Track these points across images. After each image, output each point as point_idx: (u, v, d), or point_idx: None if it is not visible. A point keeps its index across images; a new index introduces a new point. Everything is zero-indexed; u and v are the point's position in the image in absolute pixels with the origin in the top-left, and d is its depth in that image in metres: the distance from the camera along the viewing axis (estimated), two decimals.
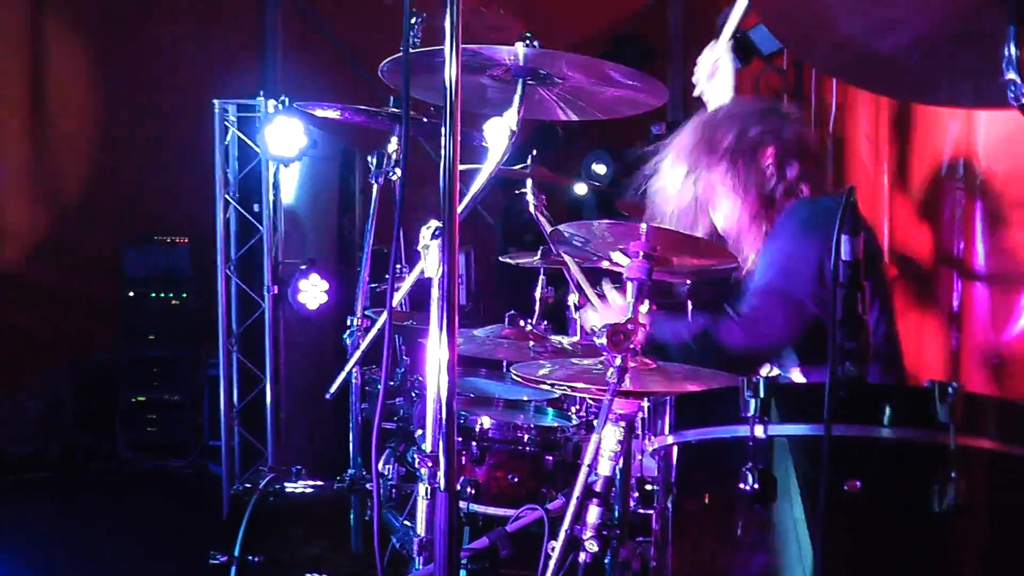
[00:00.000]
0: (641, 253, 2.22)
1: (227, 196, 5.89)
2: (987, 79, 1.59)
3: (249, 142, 5.78)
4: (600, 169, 6.13)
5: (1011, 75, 1.49)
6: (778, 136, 2.97)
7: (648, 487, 2.38)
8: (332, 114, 3.44)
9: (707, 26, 5.51)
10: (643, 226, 2.21)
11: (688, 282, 3.51)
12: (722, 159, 2.96)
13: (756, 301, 2.78)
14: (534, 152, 3.77)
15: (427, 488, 2.29)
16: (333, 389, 2.92)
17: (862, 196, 4.31)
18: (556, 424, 3.25)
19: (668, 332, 2.76)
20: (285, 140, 5.22)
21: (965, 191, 3.34)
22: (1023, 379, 3.04)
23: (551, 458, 3.06)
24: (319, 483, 3.96)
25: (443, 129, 1.71)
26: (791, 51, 3.62)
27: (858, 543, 1.74)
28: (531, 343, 3.31)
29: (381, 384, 1.86)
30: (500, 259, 3.81)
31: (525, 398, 3.49)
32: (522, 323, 3.46)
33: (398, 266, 3.59)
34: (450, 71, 1.69)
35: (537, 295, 3.57)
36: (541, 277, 3.57)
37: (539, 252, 3.53)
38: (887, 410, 1.75)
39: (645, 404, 2.13)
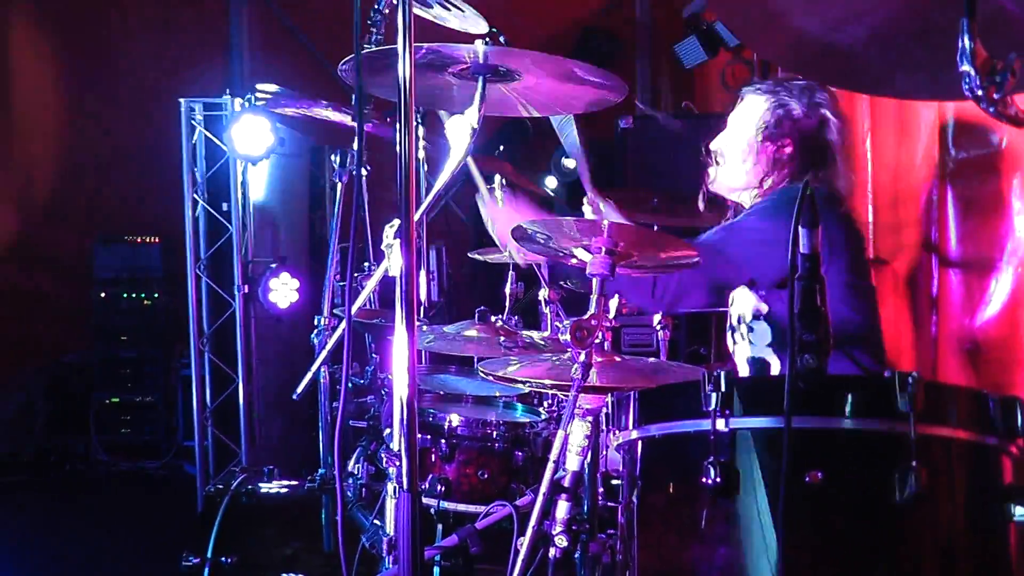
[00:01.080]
0: (603, 249, 2.22)
1: (195, 195, 5.85)
2: (941, 71, 1.60)
3: (216, 141, 5.75)
4: (570, 163, 6.13)
5: (965, 67, 1.49)
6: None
7: (614, 481, 2.38)
8: (290, 112, 3.43)
9: (673, 19, 5.54)
10: (605, 222, 2.21)
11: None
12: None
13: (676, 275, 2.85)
14: (501, 148, 3.77)
15: (395, 487, 2.28)
16: (300, 389, 2.92)
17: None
18: (526, 420, 3.25)
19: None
20: (252, 138, 5.18)
21: (939, 178, 3.36)
22: (997, 364, 3.07)
23: (521, 454, 3.07)
24: (293, 483, 3.95)
25: (398, 126, 1.70)
26: (747, 46, 3.64)
27: (821, 533, 1.75)
28: (501, 339, 3.31)
29: (342, 385, 1.86)
30: (469, 255, 3.80)
31: (497, 394, 3.49)
32: (492, 319, 3.46)
33: (366, 264, 3.58)
34: (403, 69, 1.68)
35: (507, 291, 3.56)
36: (511, 273, 3.56)
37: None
38: (847, 401, 1.77)
39: (609, 399, 2.13)
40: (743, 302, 3.00)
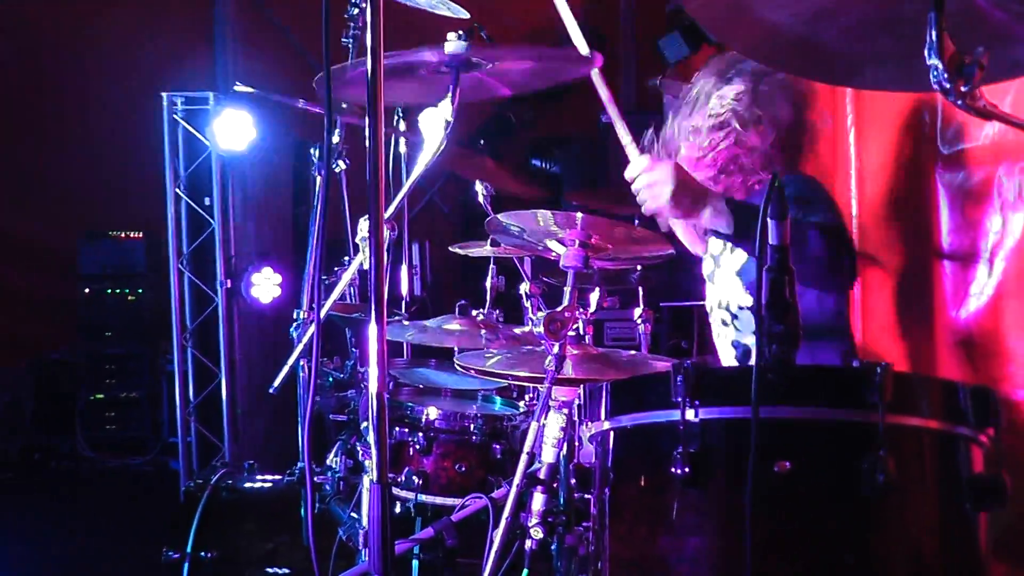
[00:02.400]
0: (577, 242, 2.23)
1: (178, 190, 5.85)
2: (912, 63, 1.61)
3: (199, 135, 5.74)
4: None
5: (933, 60, 1.50)
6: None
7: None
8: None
9: (657, 14, 5.55)
10: (579, 215, 2.22)
11: (639, 268, 3.55)
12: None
13: None
14: (482, 142, 3.78)
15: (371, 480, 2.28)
16: (277, 383, 2.92)
17: (827, 178, 4.36)
18: (504, 413, 3.25)
19: None
20: (234, 133, 5.18)
21: (928, 170, 3.38)
22: (989, 357, 3.08)
23: (499, 447, 3.08)
24: (274, 477, 3.96)
25: (367, 123, 1.70)
26: (718, 39, 3.64)
27: (789, 523, 1.75)
28: (482, 332, 3.32)
29: (311, 380, 1.86)
30: (450, 249, 3.80)
31: (477, 388, 3.50)
32: (473, 312, 3.46)
33: (345, 258, 3.59)
34: (371, 67, 1.68)
35: (488, 284, 3.56)
36: (492, 266, 3.56)
37: (489, 241, 3.53)
38: (816, 391, 1.78)
39: (581, 391, 2.14)
40: (730, 290, 3.00)
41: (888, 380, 1.73)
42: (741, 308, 2.98)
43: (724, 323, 3.05)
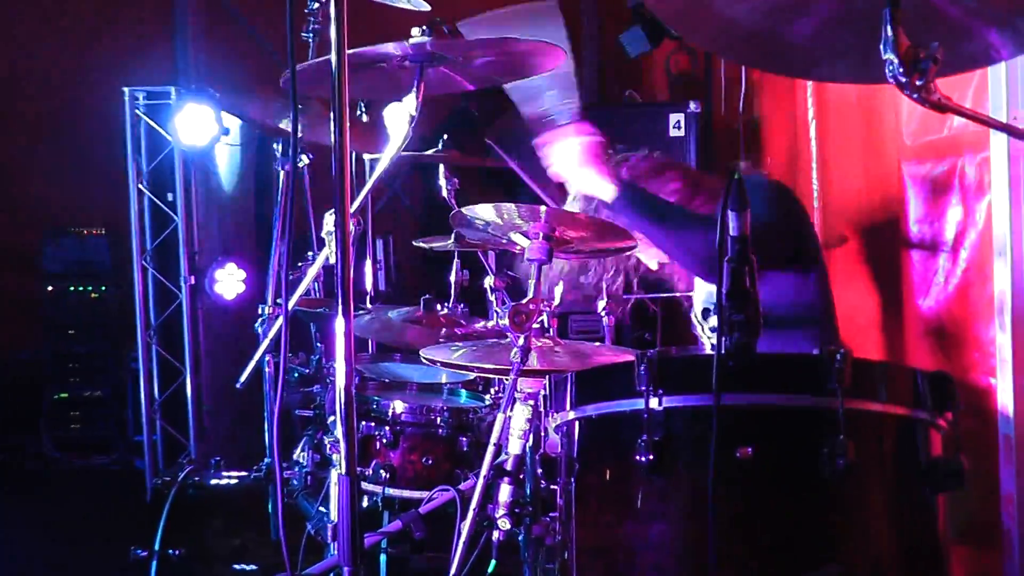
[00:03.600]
0: (541, 235, 2.25)
1: (140, 186, 5.80)
2: (868, 56, 1.63)
3: (161, 130, 5.70)
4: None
5: (888, 55, 1.53)
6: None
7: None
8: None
9: (619, 9, 5.57)
10: (543, 208, 2.24)
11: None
12: None
13: None
14: (445, 136, 3.78)
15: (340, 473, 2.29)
16: (243, 378, 2.92)
17: (787, 171, 4.41)
18: (470, 405, 3.27)
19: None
20: (196, 128, 5.15)
21: (895, 161, 3.43)
22: (959, 345, 3.14)
23: (465, 440, 3.09)
24: (240, 474, 3.95)
25: (331, 117, 1.71)
26: (678, 33, 3.66)
27: (751, 507, 1.79)
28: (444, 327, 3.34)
29: (280, 375, 1.87)
30: (414, 243, 3.81)
31: (444, 379, 3.51)
32: (438, 307, 3.48)
33: (309, 253, 3.59)
34: (336, 61, 1.69)
35: (452, 279, 3.58)
36: (455, 261, 3.58)
37: (452, 236, 3.54)
38: (777, 378, 1.81)
39: (547, 382, 2.16)
40: (701, 294, 3.05)
41: (847, 367, 1.77)
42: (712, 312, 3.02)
43: (701, 330, 3.10)
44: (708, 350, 3.11)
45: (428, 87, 2.40)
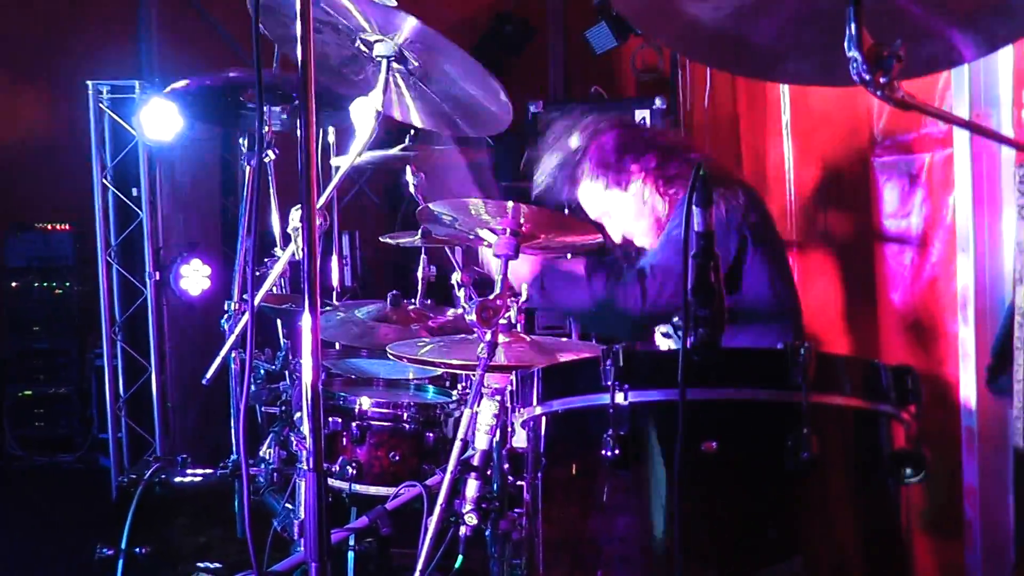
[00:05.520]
0: (508, 230, 2.25)
1: (105, 181, 5.76)
2: (833, 56, 1.65)
3: (125, 124, 5.66)
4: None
5: (852, 52, 1.54)
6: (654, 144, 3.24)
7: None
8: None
9: (585, 5, 5.58)
10: (509, 204, 2.24)
11: (568, 256, 3.58)
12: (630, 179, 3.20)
13: (653, 273, 2.95)
14: (412, 131, 3.77)
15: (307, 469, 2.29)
16: (209, 374, 2.90)
17: (759, 168, 4.43)
18: (436, 401, 3.27)
19: (569, 300, 2.99)
20: (161, 123, 5.12)
21: (866, 158, 3.46)
22: (921, 335, 3.17)
23: (432, 435, 3.09)
24: (206, 471, 3.93)
25: (299, 112, 1.71)
26: (642, 32, 3.69)
27: (716, 500, 1.80)
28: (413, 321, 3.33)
29: (247, 371, 1.86)
30: (381, 239, 3.80)
31: (411, 375, 3.51)
32: (405, 302, 3.47)
33: (274, 249, 3.57)
34: (303, 55, 1.69)
35: (419, 274, 3.57)
36: (423, 256, 3.58)
37: (420, 231, 3.54)
38: (742, 373, 1.82)
39: (513, 377, 2.17)
40: None
41: (811, 361, 1.78)
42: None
43: (667, 336, 3.12)
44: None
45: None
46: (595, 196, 3.23)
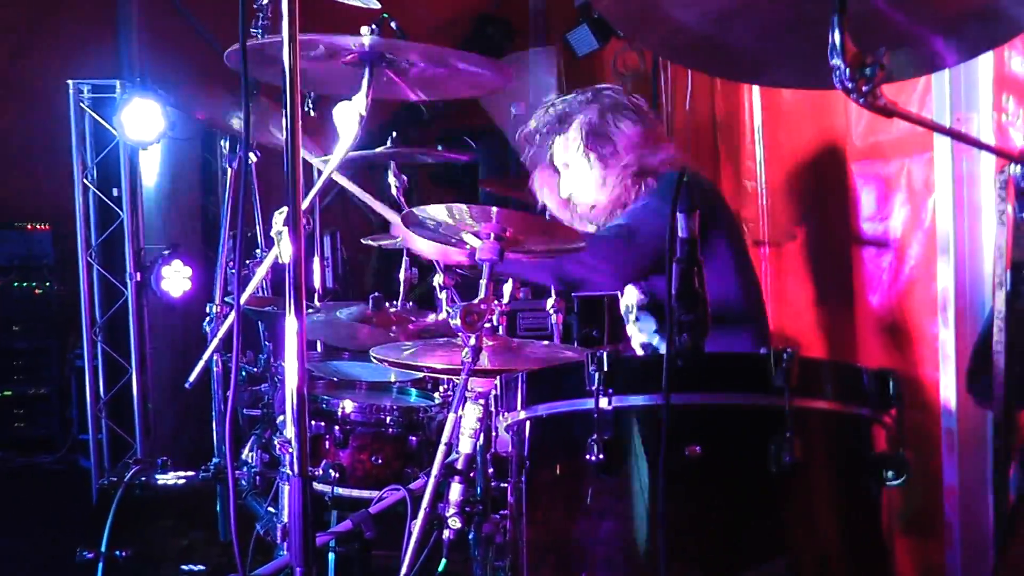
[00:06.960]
0: (492, 235, 2.26)
1: (86, 180, 5.73)
2: (816, 61, 1.66)
3: (106, 124, 5.63)
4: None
5: (836, 60, 1.55)
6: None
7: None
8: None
9: (567, 7, 5.59)
10: (493, 209, 2.24)
11: None
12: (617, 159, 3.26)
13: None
14: (394, 134, 3.77)
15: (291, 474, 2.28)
16: (192, 377, 2.90)
17: (736, 171, 4.45)
18: (419, 404, 3.27)
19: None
20: (142, 123, 5.10)
21: (843, 158, 3.48)
22: (899, 337, 3.19)
23: (415, 439, 3.09)
24: (188, 473, 3.91)
25: (283, 113, 1.71)
26: (625, 35, 3.70)
27: (700, 505, 1.81)
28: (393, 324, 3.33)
29: (233, 374, 1.86)
30: (362, 241, 3.80)
31: (392, 378, 3.51)
32: (386, 305, 3.47)
33: (257, 251, 3.56)
34: (288, 56, 1.69)
35: (401, 276, 3.57)
36: (405, 258, 3.57)
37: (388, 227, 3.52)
38: (725, 378, 1.83)
39: (497, 381, 2.17)
40: (630, 294, 3.10)
41: (794, 365, 1.79)
42: (640, 309, 3.08)
43: (632, 327, 3.15)
44: (635, 346, 3.16)
45: (379, 91, 2.40)
46: (569, 149, 3.30)
